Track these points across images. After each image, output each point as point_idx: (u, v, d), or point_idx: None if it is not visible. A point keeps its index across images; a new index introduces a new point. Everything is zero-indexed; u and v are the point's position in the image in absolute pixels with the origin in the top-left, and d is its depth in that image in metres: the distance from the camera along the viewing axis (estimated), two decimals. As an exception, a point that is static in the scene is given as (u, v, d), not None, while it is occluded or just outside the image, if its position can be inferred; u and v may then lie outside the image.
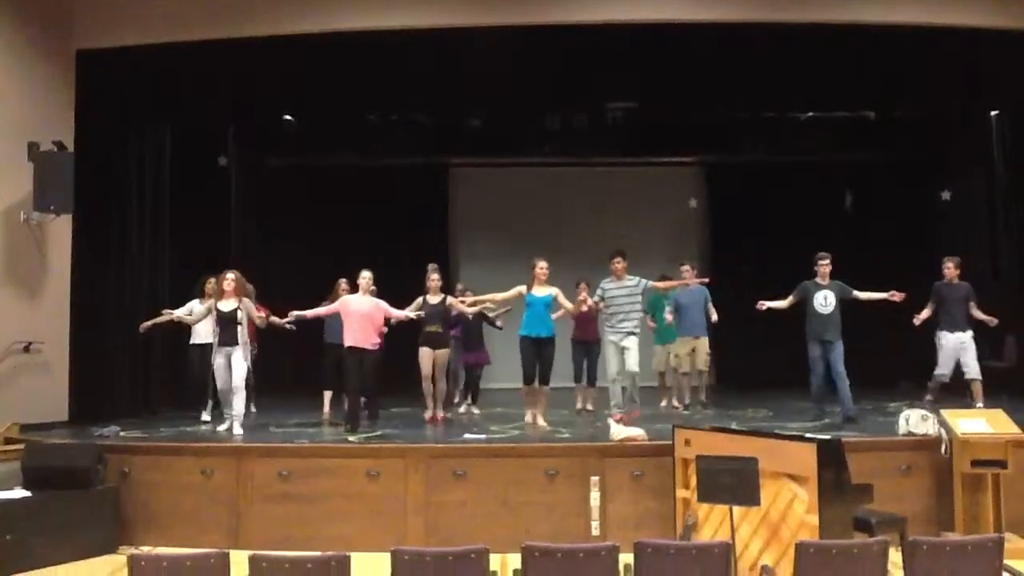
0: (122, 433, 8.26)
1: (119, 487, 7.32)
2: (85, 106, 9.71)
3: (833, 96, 11.85)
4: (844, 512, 5.63)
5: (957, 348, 8.94)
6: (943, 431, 6.96)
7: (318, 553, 4.30)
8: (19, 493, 6.94)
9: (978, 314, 9.02)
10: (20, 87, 9.14)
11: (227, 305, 8.52)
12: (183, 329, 9.53)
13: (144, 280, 10.24)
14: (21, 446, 7.76)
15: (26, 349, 8.93)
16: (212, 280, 9.22)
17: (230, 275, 8.61)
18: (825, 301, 8.58)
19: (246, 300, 8.62)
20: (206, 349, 9.12)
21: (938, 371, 9.08)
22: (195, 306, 9.23)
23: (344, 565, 4.18)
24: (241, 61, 9.91)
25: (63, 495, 6.98)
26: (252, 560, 4.19)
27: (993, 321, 9.00)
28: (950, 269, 9.12)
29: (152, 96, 10.18)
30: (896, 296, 8.60)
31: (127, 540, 7.20)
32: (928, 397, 9.19)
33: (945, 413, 7.05)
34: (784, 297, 8.81)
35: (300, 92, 11.07)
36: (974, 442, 6.66)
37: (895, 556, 4.61)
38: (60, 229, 9.41)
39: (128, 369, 9.96)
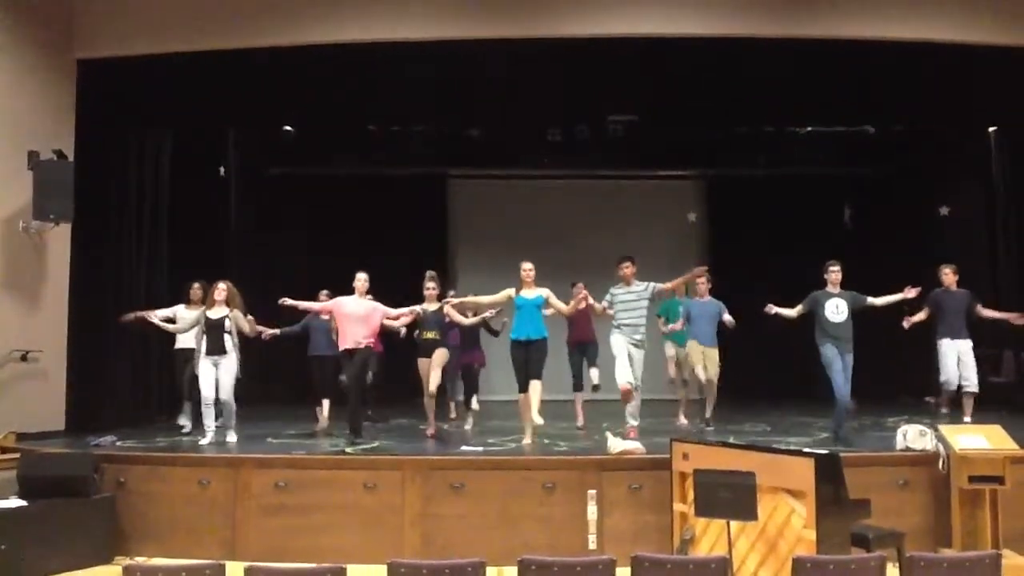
0: (118, 443, 8.23)
1: (115, 497, 7.29)
2: (85, 115, 9.73)
3: (833, 111, 11.90)
4: (841, 527, 5.62)
5: (958, 357, 8.75)
6: (941, 446, 6.95)
7: (314, 565, 4.30)
8: (15, 502, 6.90)
9: (990, 313, 8.82)
10: (20, 96, 9.15)
11: (216, 313, 8.46)
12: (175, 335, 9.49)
13: (142, 289, 10.25)
14: (17, 455, 7.75)
15: (23, 358, 8.91)
16: (197, 286, 9.25)
17: (221, 284, 8.57)
18: (837, 310, 8.26)
19: (235, 310, 8.52)
20: (190, 354, 8.97)
21: (943, 379, 8.86)
22: (180, 310, 9.28)
23: (340, 577, 4.17)
24: (241, 71, 9.94)
25: (59, 505, 6.95)
26: (248, 572, 4.19)
27: (1019, 319, 8.71)
28: (948, 276, 8.85)
29: (152, 106, 10.20)
30: (911, 291, 8.32)
31: (123, 550, 7.16)
32: (943, 411, 8.99)
33: (943, 429, 7.04)
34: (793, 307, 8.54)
35: (300, 102, 11.10)
36: (972, 458, 6.65)
37: (892, 572, 4.61)
38: (59, 238, 9.41)
39: (126, 378, 9.95)
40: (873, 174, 13.78)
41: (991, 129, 11.83)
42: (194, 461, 7.52)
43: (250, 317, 8.67)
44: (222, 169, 12.39)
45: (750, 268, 13.28)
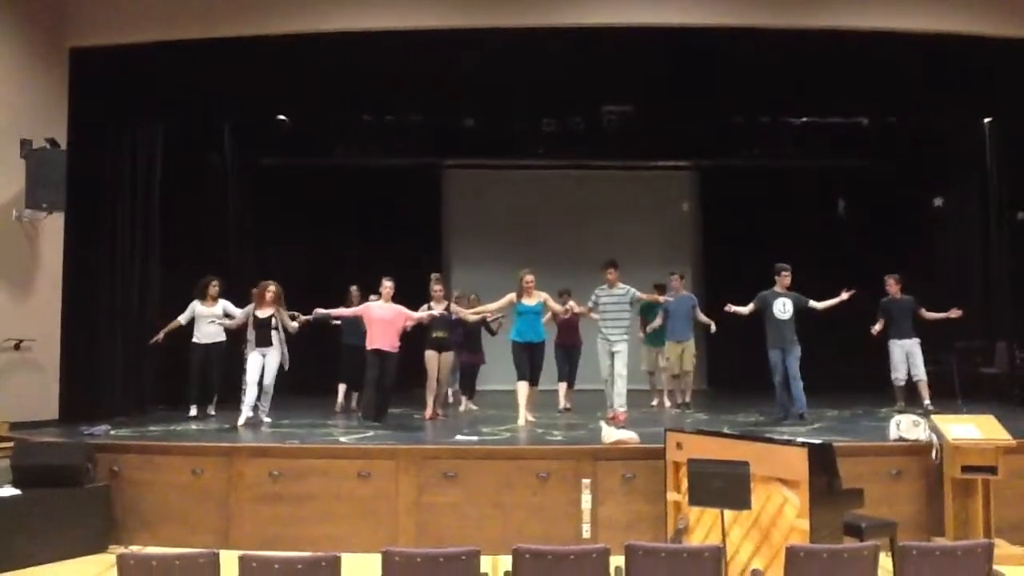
0: (112, 432, 8.22)
1: (109, 486, 7.28)
2: (78, 104, 9.66)
3: (827, 102, 11.90)
4: (835, 516, 5.63)
5: (904, 354, 9.88)
6: (934, 436, 6.97)
7: (308, 553, 4.29)
8: (8, 491, 6.89)
9: (932, 315, 9.74)
10: (13, 84, 9.09)
11: (264, 312, 9.19)
12: (177, 329, 9.77)
13: (136, 278, 10.23)
14: (11, 444, 7.72)
15: (17, 347, 8.89)
16: (215, 282, 9.83)
17: (272, 287, 9.24)
18: (784, 308, 9.13)
19: (281, 309, 9.25)
20: (210, 348, 9.77)
21: (893, 375, 10.00)
22: (197, 306, 9.77)
23: (334, 566, 4.16)
24: (236, 60, 9.90)
25: (52, 494, 6.94)
26: (242, 560, 4.18)
27: (955, 313, 9.59)
28: (892, 286, 10.03)
29: (146, 94, 10.16)
30: (846, 294, 9.14)
31: (116, 539, 7.16)
32: (900, 403, 9.83)
33: (936, 419, 7.06)
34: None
35: (295, 92, 11.06)
36: (965, 448, 6.67)
37: (885, 561, 4.63)
38: (52, 227, 9.37)
39: (119, 368, 9.93)
40: (868, 166, 13.78)
41: (986, 121, 11.84)
42: (188, 450, 7.50)
43: (297, 319, 9.39)
44: (215, 158, 12.32)
45: (743, 258, 13.26)
